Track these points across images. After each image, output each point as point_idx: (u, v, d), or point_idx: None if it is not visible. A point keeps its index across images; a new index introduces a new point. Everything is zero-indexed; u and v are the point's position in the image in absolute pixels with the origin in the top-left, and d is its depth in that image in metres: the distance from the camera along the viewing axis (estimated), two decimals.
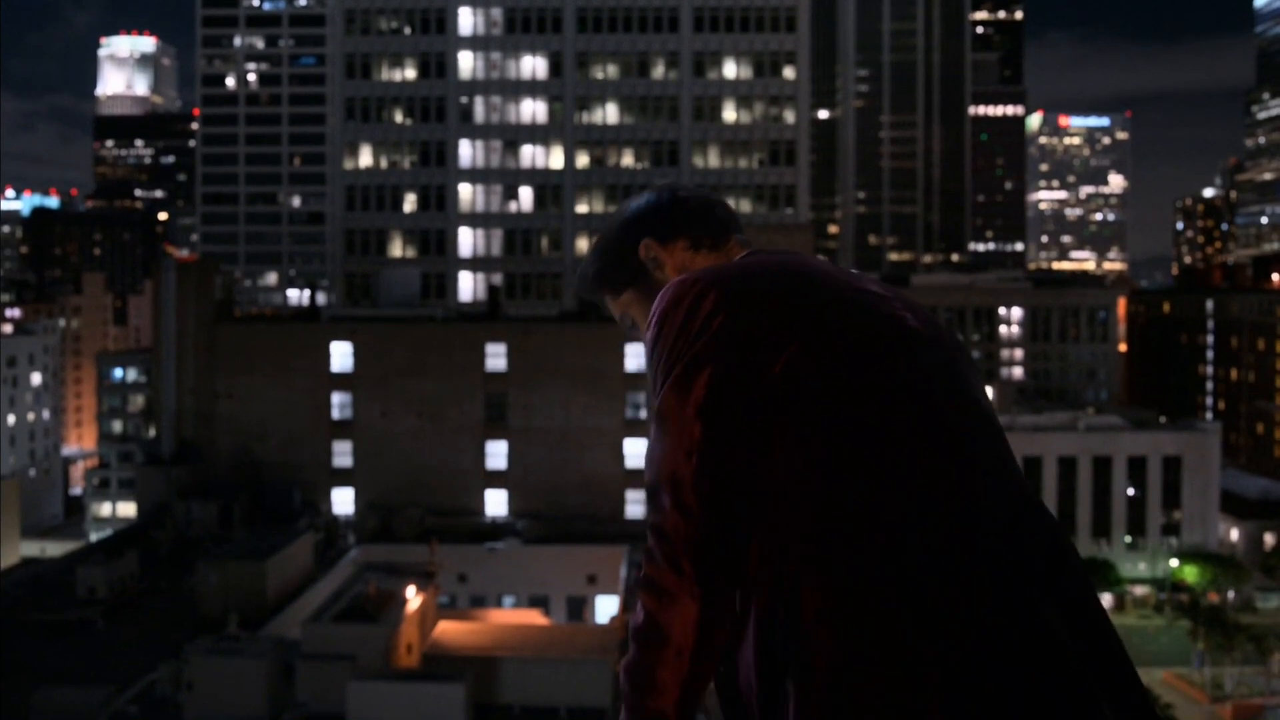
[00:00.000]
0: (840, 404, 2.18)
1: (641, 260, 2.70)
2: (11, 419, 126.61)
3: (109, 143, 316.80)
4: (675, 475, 2.18)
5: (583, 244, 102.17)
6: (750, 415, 2.18)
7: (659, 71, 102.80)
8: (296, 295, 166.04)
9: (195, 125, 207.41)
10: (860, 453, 2.16)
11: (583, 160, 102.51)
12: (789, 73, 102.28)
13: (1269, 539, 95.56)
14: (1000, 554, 2.13)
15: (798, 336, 2.21)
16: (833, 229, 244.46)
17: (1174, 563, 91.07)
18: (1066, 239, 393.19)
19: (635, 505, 74.92)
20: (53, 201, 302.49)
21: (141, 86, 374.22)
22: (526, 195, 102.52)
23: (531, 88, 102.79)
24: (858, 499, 2.13)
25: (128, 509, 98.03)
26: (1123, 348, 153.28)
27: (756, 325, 2.22)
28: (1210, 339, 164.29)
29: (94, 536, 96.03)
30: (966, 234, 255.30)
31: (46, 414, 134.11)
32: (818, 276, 2.35)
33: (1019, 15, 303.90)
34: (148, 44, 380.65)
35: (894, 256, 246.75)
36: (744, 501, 2.17)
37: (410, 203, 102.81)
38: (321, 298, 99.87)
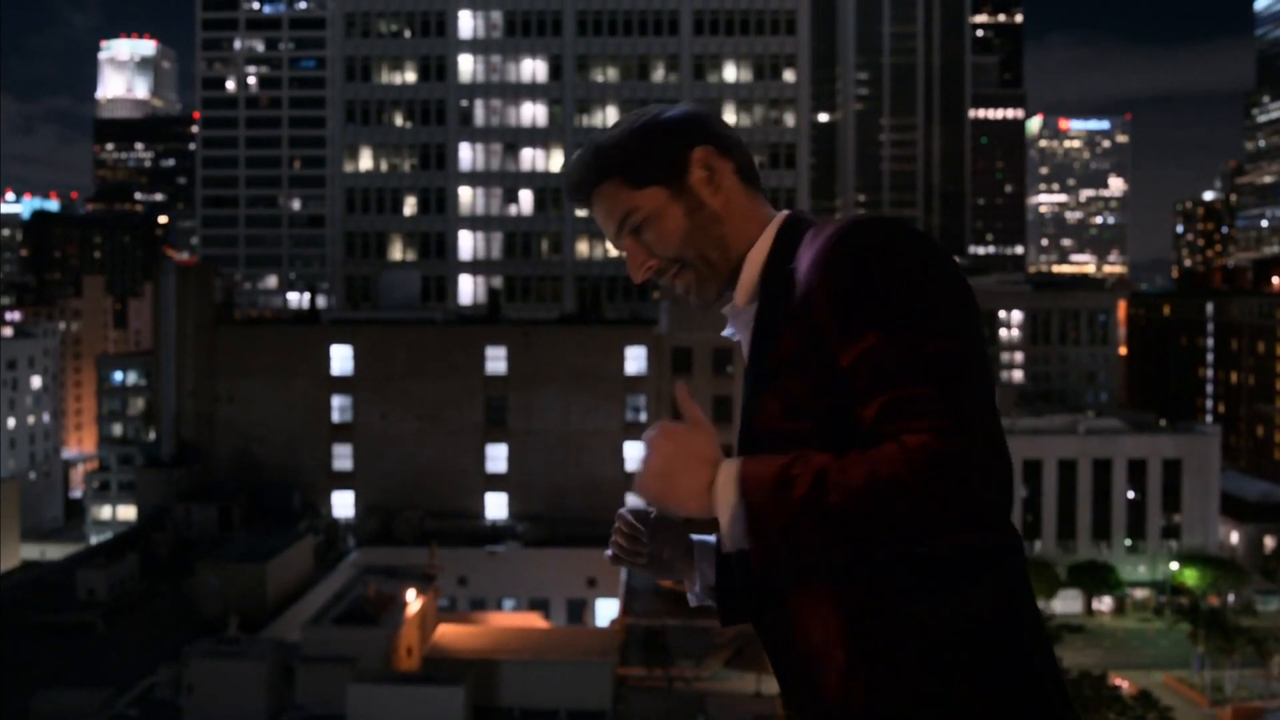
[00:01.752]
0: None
1: (689, 164, 2.49)
2: (11, 422, 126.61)
3: (109, 146, 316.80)
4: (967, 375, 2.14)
5: (583, 247, 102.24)
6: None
7: (659, 74, 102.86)
8: (296, 298, 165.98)
9: (195, 128, 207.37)
10: None
11: None
12: (789, 75, 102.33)
13: (1269, 542, 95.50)
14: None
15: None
16: None
17: (1174, 566, 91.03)
18: (1066, 242, 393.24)
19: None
20: (53, 204, 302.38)
21: (141, 89, 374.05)
22: (526, 198, 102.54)
23: (531, 90, 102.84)
24: None
25: (128, 512, 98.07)
26: (1123, 351, 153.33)
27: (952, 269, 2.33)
28: (1210, 342, 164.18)
29: (94, 539, 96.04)
30: (966, 237, 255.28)
31: (46, 417, 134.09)
32: None
33: (1019, 18, 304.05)
34: (148, 47, 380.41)
35: None
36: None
37: (410, 205, 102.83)
38: (321, 300, 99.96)
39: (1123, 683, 70.87)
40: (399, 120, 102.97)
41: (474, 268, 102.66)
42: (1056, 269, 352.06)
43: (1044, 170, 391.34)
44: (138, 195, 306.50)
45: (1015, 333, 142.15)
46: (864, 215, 2.34)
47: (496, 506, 76.57)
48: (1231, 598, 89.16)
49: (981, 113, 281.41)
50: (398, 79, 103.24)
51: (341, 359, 77.62)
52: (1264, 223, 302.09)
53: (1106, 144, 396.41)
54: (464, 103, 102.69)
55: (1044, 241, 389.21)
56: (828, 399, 2.22)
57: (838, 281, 2.21)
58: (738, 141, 2.58)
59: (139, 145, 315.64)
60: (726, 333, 2.65)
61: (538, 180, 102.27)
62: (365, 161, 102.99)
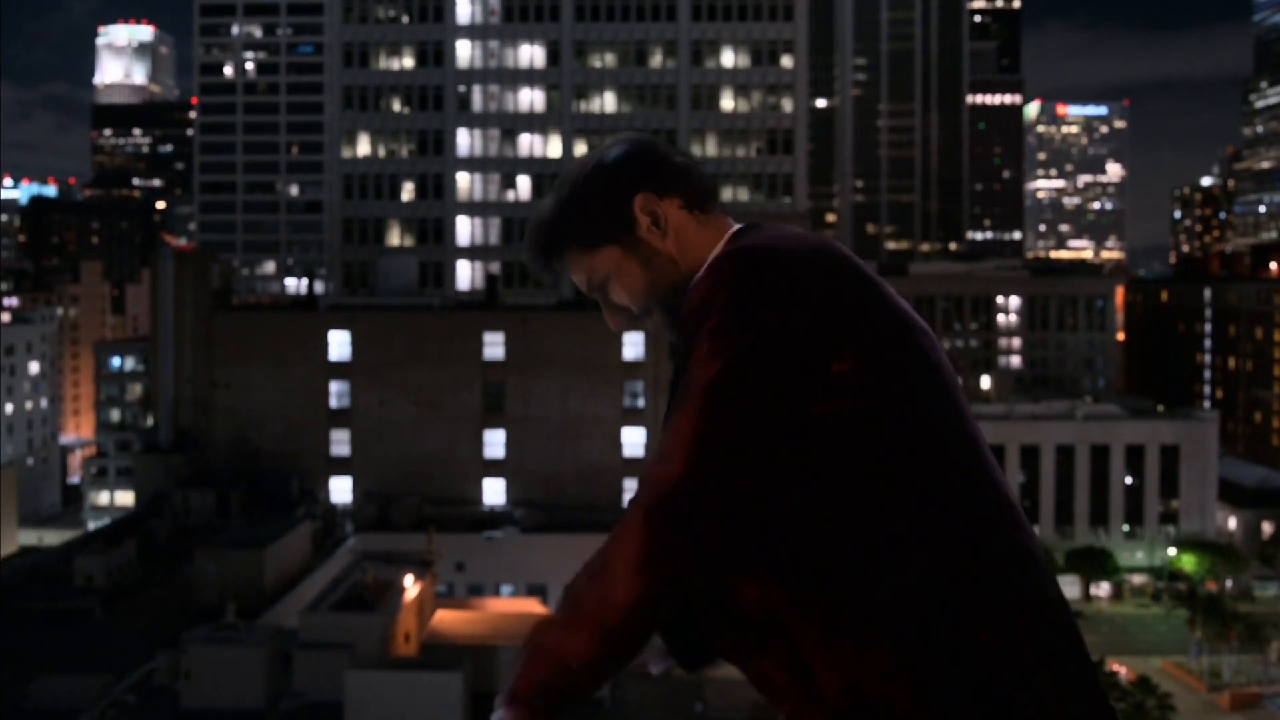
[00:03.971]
0: (893, 413, 2.15)
1: (634, 215, 2.43)
2: (9, 408, 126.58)
3: (107, 131, 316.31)
4: (703, 441, 2.16)
5: None
6: (798, 409, 2.12)
7: (657, 60, 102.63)
8: (294, 284, 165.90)
9: (193, 114, 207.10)
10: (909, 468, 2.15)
11: (581, 149, 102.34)
12: (787, 61, 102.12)
13: (1266, 528, 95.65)
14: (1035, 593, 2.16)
15: (859, 337, 2.15)
16: (830, 218, 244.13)
17: (1172, 551, 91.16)
18: (1064, 228, 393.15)
19: (632, 494, 74.87)
20: (50, 190, 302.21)
21: (139, 75, 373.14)
22: (524, 184, 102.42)
23: (529, 76, 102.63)
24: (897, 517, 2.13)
25: (125, 498, 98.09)
26: (1120, 337, 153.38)
27: (821, 317, 2.14)
28: (1208, 328, 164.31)
29: (92, 525, 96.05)
30: (964, 223, 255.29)
31: (44, 402, 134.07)
32: (864, 270, 2.26)
33: (1016, 3, 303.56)
34: (145, 33, 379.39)
35: (892, 245, 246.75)
36: (759, 492, 2.15)
37: (408, 191, 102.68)
38: (319, 286, 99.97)
39: (1121, 669, 70.99)
40: (397, 106, 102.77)
41: (472, 253, 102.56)
42: (1054, 255, 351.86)
43: (1042, 156, 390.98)
44: (135, 181, 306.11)
45: (1013, 318, 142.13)
46: (731, 251, 2.27)
47: (494, 492, 76.57)
48: (1229, 583, 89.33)
49: (979, 98, 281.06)
50: (395, 64, 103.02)
51: (339, 345, 77.53)
52: (1262, 208, 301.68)
53: (1104, 130, 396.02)
54: (462, 88, 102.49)
55: (1042, 227, 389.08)
56: None
57: (683, 320, 2.28)
58: (681, 169, 2.48)
59: (137, 131, 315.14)
60: None
61: (535, 166, 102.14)
62: (363, 147, 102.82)
